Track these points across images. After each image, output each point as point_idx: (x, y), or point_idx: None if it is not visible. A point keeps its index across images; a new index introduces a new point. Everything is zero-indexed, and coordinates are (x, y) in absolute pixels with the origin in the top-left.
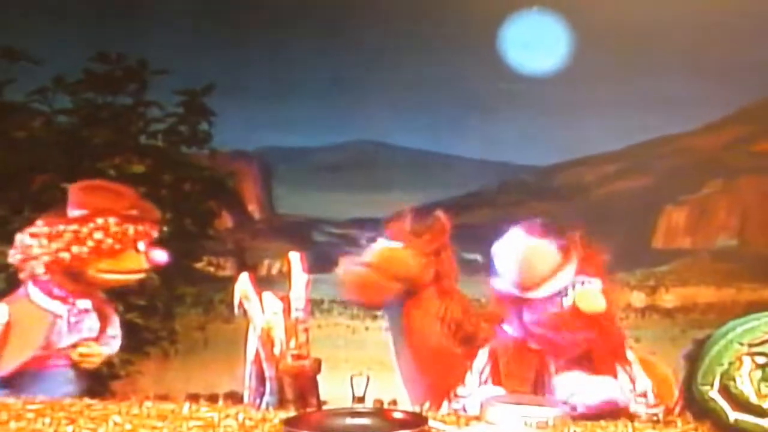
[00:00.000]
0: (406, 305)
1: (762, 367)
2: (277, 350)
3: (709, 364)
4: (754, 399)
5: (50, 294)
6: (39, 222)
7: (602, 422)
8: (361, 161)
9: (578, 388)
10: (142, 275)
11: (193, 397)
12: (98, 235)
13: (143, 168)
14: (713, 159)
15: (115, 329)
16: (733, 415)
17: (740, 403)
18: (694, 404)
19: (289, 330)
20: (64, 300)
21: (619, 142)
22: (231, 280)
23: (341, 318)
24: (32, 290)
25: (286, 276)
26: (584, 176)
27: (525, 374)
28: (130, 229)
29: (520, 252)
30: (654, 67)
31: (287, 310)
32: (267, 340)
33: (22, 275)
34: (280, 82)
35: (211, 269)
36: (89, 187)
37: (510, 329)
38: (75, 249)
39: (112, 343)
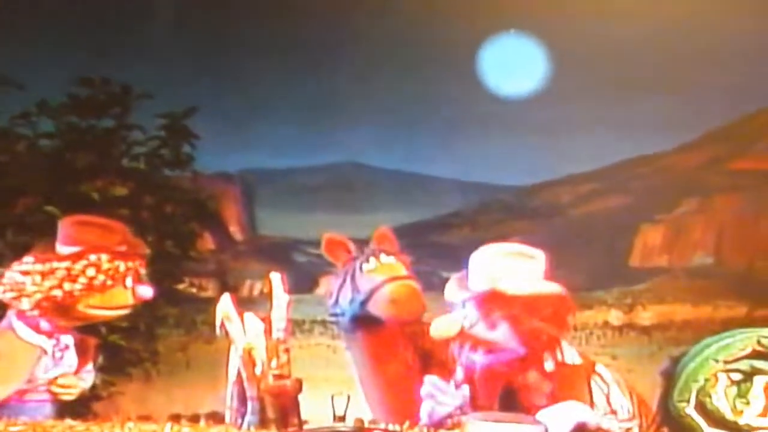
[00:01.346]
0: (365, 333)
1: (737, 383)
2: (258, 370)
3: (686, 380)
4: (729, 415)
5: (36, 329)
6: (28, 258)
7: None
8: (342, 182)
9: (547, 415)
10: (127, 311)
11: (175, 418)
12: (91, 272)
13: (126, 191)
14: (689, 178)
15: (91, 365)
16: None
17: (716, 420)
18: (671, 421)
19: (271, 350)
20: (49, 335)
21: (595, 162)
22: (213, 301)
23: (322, 338)
24: (17, 324)
25: (267, 297)
26: (562, 196)
27: (494, 392)
28: (121, 265)
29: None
30: (629, 88)
31: (268, 331)
32: (248, 360)
33: (9, 311)
34: (261, 104)
35: (193, 290)
36: (81, 223)
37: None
38: (67, 286)
39: (88, 378)
